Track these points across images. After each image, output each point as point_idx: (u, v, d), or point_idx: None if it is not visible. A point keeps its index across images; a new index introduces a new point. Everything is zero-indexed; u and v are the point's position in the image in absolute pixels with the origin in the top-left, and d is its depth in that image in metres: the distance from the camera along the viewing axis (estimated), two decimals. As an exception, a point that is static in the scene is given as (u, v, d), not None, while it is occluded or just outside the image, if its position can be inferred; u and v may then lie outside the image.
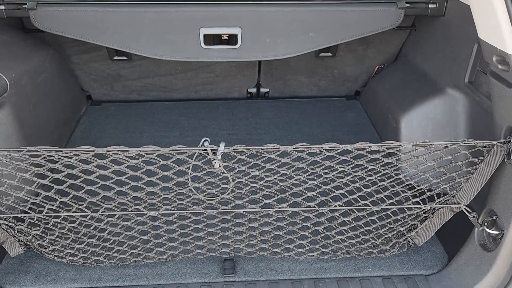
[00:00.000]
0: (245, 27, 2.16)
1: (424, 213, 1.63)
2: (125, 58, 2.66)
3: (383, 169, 1.55)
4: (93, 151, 1.42)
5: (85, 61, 2.67)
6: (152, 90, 2.90)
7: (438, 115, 2.21)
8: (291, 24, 2.16)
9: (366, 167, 1.54)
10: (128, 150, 1.44)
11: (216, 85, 2.90)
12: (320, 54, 2.72)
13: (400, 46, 2.73)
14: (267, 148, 1.47)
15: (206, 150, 1.46)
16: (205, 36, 2.17)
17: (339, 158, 1.51)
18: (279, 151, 1.47)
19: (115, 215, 1.56)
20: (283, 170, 1.53)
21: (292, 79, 2.92)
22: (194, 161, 1.48)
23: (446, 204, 1.58)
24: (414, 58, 2.60)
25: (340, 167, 1.54)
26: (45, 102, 2.27)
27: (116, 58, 2.66)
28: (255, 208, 1.57)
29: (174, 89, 2.91)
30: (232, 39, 2.22)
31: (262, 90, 2.99)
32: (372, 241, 1.71)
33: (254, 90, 2.99)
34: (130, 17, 2.12)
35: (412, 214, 1.62)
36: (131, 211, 1.55)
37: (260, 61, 2.77)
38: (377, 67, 2.86)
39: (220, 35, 2.22)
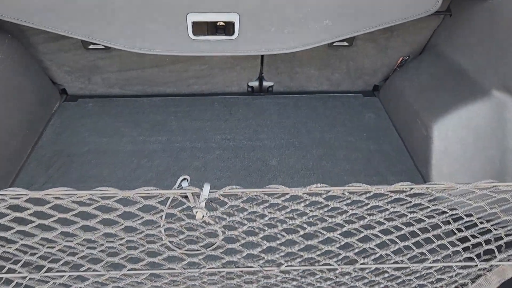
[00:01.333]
0: (244, 13, 1.72)
1: (478, 270, 1.23)
2: (103, 47, 2.22)
3: (427, 216, 1.15)
4: (27, 195, 1.01)
5: (55, 50, 2.24)
6: (136, 84, 2.48)
7: (481, 124, 1.80)
8: (302, 10, 1.72)
9: (405, 214, 1.13)
10: (76, 194, 1.04)
11: (211, 78, 2.48)
12: (334, 44, 2.28)
13: (430, 35, 2.29)
14: (269, 191, 1.06)
15: (185, 193, 1.05)
16: (194, 24, 1.73)
17: (367, 203, 1.11)
18: (287, 194, 1.06)
19: (63, 276, 1.16)
20: (291, 216, 1.13)
21: (300, 72, 2.48)
22: (169, 208, 1.07)
23: (509, 261, 1.18)
24: (447, 50, 2.16)
25: (368, 213, 1.14)
26: (2, 100, 1.86)
27: (91, 47, 2.23)
28: (252, 267, 1.17)
29: (162, 82, 2.48)
30: (227, 28, 1.78)
31: (265, 84, 2.56)
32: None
33: (256, 84, 2.56)
34: (100, 1, 1.69)
35: (462, 273, 1.22)
36: (85, 270, 1.16)
37: None
38: (401, 58, 2.42)
39: (212, 23, 1.79)
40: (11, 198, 1.01)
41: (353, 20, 1.76)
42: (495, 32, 1.80)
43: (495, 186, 1.08)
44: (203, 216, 1.03)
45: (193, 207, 1.04)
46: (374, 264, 1.19)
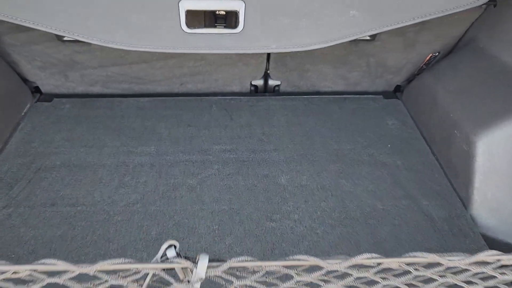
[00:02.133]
0: (250, 0, 1.37)
1: None
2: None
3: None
4: None
5: (23, 42, 1.89)
6: (122, 81, 2.13)
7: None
8: (323, -3, 1.38)
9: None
10: (9, 270, 0.70)
11: (209, 76, 2.13)
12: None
13: (467, 28, 1.94)
14: (294, 263, 0.73)
15: (172, 268, 0.72)
16: (188, 13, 1.38)
17: (424, 276, 0.78)
18: (321, 269, 0.73)
19: None
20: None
21: (312, 70, 2.14)
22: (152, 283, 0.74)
23: None
24: (490, 46, 1.82)
25: None
26: None
27: (66, 38, 1.87)
28: None
29: (151, 80, 2.13)
30: (229, 19, 1.44)
31: (271, 82, 2.22)
32: None
33: (260, 82, 2.22)
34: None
35: None
36: None
37: None
38: (430, 55, 2.08)
39: (211, 13, 1.44)
40: None
41: (386, 12, 1.41)
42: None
43: None
44: (198, 302, 0.70)
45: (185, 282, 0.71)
46: None
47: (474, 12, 1.84)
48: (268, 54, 2.07)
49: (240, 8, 1.37)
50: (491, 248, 1.23)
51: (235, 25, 1.42)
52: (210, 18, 1.48)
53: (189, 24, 1.40)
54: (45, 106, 2.08)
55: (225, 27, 1.43)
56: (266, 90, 2.26)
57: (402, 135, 1.97)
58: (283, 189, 1.67)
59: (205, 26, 1.42)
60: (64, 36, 1.86)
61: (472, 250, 1.45)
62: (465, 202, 1.61)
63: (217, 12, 1.56)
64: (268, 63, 2.12)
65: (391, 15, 1.42)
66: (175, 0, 1.35)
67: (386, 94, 2.25)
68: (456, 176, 1.68)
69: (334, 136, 1.95)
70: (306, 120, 2.04)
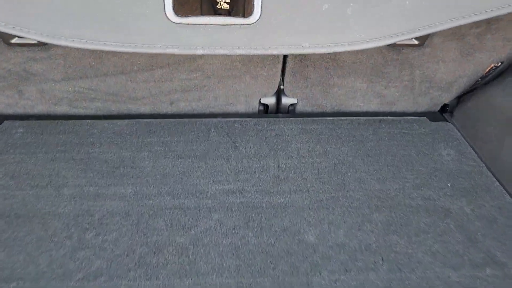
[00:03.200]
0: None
1: None
2: (34, 41, 1.39)
3: None
4: None
5: (-42, 46, 1.41)
6: (94, 98, 1.64)
7: None
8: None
9: None
10: None
11: (206, 92, 1.65)
12: (398, 42, 1.47)
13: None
14: None
15: None
16: (177, -5, 0.91)
17: None
18: None
19: None
20: None
21: (339, 84, 1.66)
22: None
23: None
24: None
25: None
26: None
27: (15, 41, 1.39)
28: None
29: (132, 97, 1.65)
30: (236, 7, 0.97)
31: (285, 101, 1.74)
32: None
33: (271, 100, 1.74)
34: None
35: None
36: None
37: None
38: (491, 65, 1.62)
39: (214, 6, 0.97)
40: None
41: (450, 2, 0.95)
42: None
43: None
44: None
45: None
46: None
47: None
48: (284, 65, 1.60)
49: (255, -13, 0.90)
50: None
51: (247, 13, 0.94)
52: (208, 6, 1.01)
53: (178, 11, 0.92)
54: (-9, 130, 1.59)
55: (231, 15, 0.95)
56: (278, 110, 1.78)
57: (462, 170, 1.48)
58: (312, 251, 1.17)
59: (202, 14, 0.95)
60: (12, 38, 1.38)
61: None
62: None
63: (218, 6, 1.09)
64: (283, 76, 1.65)
65: (465, 5, 0.96)
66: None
67: (431, 115, 1.78)
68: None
69: (372, 171, 1.46)
70: (333, 150, 1.56)
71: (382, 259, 1.15)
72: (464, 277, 1.11)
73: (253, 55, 1.49)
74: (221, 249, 1.17)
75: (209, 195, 1.34)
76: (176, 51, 0.96)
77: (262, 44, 0.97)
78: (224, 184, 1.38)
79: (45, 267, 1.10)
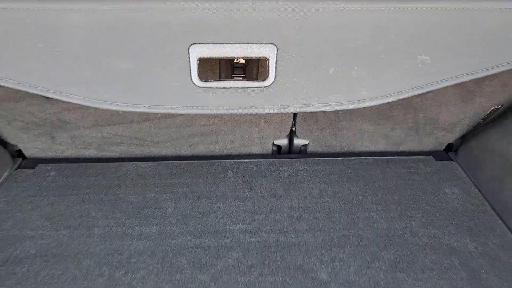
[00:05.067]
0: (284, 43, 1.03)
1: None
2: (69, 94, 1.53)
3: None
4: None
5: (1, 99, 1.56)
6: (120, 143, 1.78)
7: None
8: (386, 39, 1.03)
9: None
10: None
11: (224, 137, 1.77)
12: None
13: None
14: None
15: None
16: (201, 62, 1.04)
17: None
18: None
19: None
20: None
21: (347, 127, 1.78)
22: None
23: None
24: None
25: None
26: None
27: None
28: None
29: (155, 142, 1.78)
30: (250, 70, 1.09)
31: (297, 142, 1.86)
32: None
33: (284, 142, 1.86)
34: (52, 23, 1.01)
35: None
36: None
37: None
38: (492, 108, 1.72)
39: (227, 62, 1.10)
40: None
41: (466, 54, 1.06)
42: None
43: None
44: None
45: None
46: None
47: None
48: (295, 110, 1.72)
49: (270, 54, 1.03)
50: None
51: (262, 77, 1.06)
52: (227, 68, 1.14)
53: (202, 77, 1.05)
54: (25, 174, 1.72)
55: (244, 78, 1.08)
56: (290, 151, 1.89)
57: (467, 208, 1.56)
58: (325, 287, 1.26)
59: (221, 78, 1.08)
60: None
61: None
62: None
63: (235, 61, 1.23)
64: (295, 120, 1.77)
65: (473, 61, 1.07)
66: (185, 44, 1.01)
67: (436, 155, 1.87)
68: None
69: (380, 210, 1.55)
70: (343, 190, 1.65)
71: (390, 296, 1.23)
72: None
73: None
74: (239, 286, 1.26)
75: (227, 234, 1.44)
76: (200, 111, 1.08)
77: (276, 103, 1.09)
78: (241, 224, 1.48)
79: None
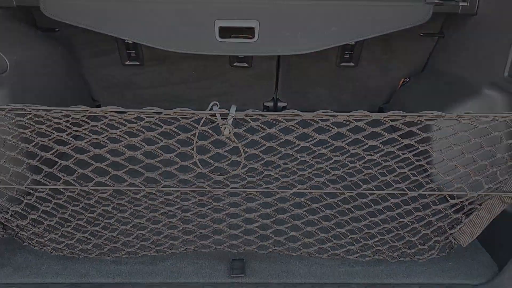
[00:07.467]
0: (262, 19, 2.04)
1: (469, 204, 1.38)
2: (138, 63, 2.56)
3: (421, 146, 1.33)
4: (87, 110, 1.24)
5: (96, 65, 2.58)
6: (164, 100, 2.77)
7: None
8: (312, 18, 2.04)
9: (401, 142, 1.32)
10: (125, 112, 1.26)
11: (231, 96, 2.76)
12: (341, 64, 2.59)
13: (427, 56, 2.58)
14: (285, 115, 1.28)
15: (214, 114, 1.27)
16: (221, 29, 2.05)
17: (368, 130, 1.31)
18: (299, 118, 1.28)
19: (106, 191, 1.35)
20: (303, 143, 1.33)
21: (311, 92, 2.76)
22: (201, 127, 1.28)
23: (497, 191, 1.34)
24: (442, 66, 2.43)
25: (369, 142, 1.33)
26: (49, 96, 2.14)
27: (128, 63, 2.56)
28: (270, 189, 1.35)
29: (187, 99, 2.77)
30: (248, 33, 2.10)
31: (280, 104, 2.83)
32: (407, 239, 1.45)
33: (271, 104, 2.84)
34: (143, 8, 2.03)
35: (456, 204, 1.37)
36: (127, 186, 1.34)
37: (278, 71, 2.64)
38: (402, 80, 2.70)
39: (236, 28, 2.10)
40: (74, 114, 1.24)
41: (355, 28, 2.06)
42: (481, 42, 2.08)
43: (475, 116, 1.27)
44: (230, 132, 1.24)
45: (222, 125, 1.25)
46: (376, 191, 1.36)
47: (429, 42, 2.49)
48: (277, 79, 2.71)
49: (256, 25, 2.04)
50: None
51: (252, 37, 2.07)
52: (234, 32, 2.15)
53: (221, 36, 2.06)
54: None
55: (246, 37, 2.09)
56: (275, 110, 2.86)
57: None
58: None
59: (232, 37, 2.08)
60: (126, 60, 2.55)
61: None
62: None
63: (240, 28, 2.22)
64: (277, 87, 2.75)
65: (359, 30, 2.07)
66: (212, 19, 2.03)
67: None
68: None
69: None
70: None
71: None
72: None
73: (258, 73, 2.60)
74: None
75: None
76: (214, 53, 2.07)
77: (259, 50, 2.06)
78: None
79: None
